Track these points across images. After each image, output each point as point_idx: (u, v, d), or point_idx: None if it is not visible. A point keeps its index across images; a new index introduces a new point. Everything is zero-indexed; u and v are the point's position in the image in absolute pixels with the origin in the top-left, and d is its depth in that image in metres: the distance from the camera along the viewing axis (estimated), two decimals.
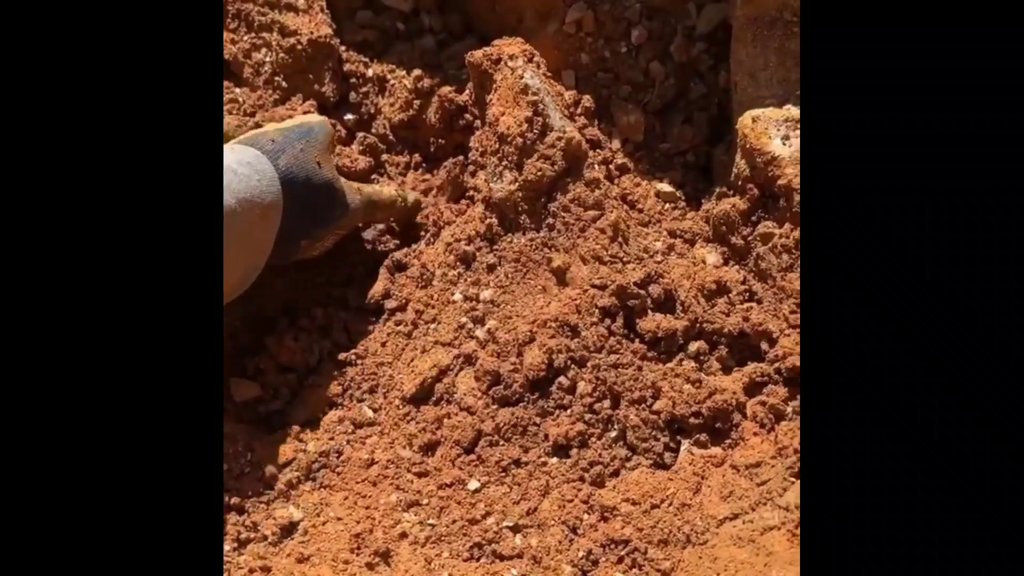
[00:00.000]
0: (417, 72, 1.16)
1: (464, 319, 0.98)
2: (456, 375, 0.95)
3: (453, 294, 1.00)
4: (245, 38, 1.12)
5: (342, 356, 0.99)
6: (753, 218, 0.98)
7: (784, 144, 0.93)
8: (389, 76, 1.17)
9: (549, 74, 1.03)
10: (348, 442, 0.94)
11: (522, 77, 0.97)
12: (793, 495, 0.82)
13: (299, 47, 1.10)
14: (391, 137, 1.15)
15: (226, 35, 1.12)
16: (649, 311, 0.95)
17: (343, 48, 1.16)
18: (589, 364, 0.92)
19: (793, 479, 0.84)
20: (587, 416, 0.91)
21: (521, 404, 0.93)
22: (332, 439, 0.93)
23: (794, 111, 0.94)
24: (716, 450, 0.90)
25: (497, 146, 1.00)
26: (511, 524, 0.87)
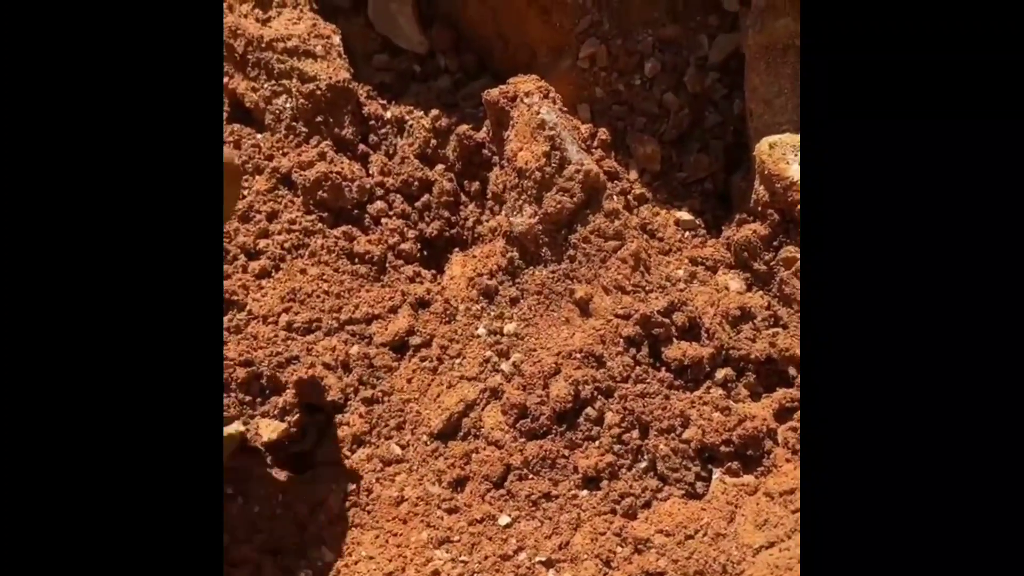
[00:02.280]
0: (434, 112, 1.18)
1: (489, 353, 0.98)
2: (483, 409, 0.95)
3: (477, 328, 1.00)
4: (265, 85, 1.14)
5: (368, 394, 0.99)
6: (775, 243, 0.98)
7: None
8: (407, 117, 1.19)
9: (565, 109, 1.04)
10: (377, 480, 0.93)
11: (538, 113, 0.99)
12: None
13: (318, 92, 1.13)
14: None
15: (246, 83, 1.15)
16: (674, 339, 0.95)
17: (361, 92, 1.19)
18: (616, 394, 0.92)
19: None
20: (616, 447, 0.91)
21: (549, 436, 0.92)
22: (361, 477, 0.93)
23: None
24: (749, 478, 0.89)
25: (516, 181, 1.01)
26: (544, 559, 0.86)
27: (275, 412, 0.97)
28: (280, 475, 0.93)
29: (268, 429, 0.96)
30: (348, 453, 0.96)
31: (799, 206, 0.93)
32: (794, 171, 0.93)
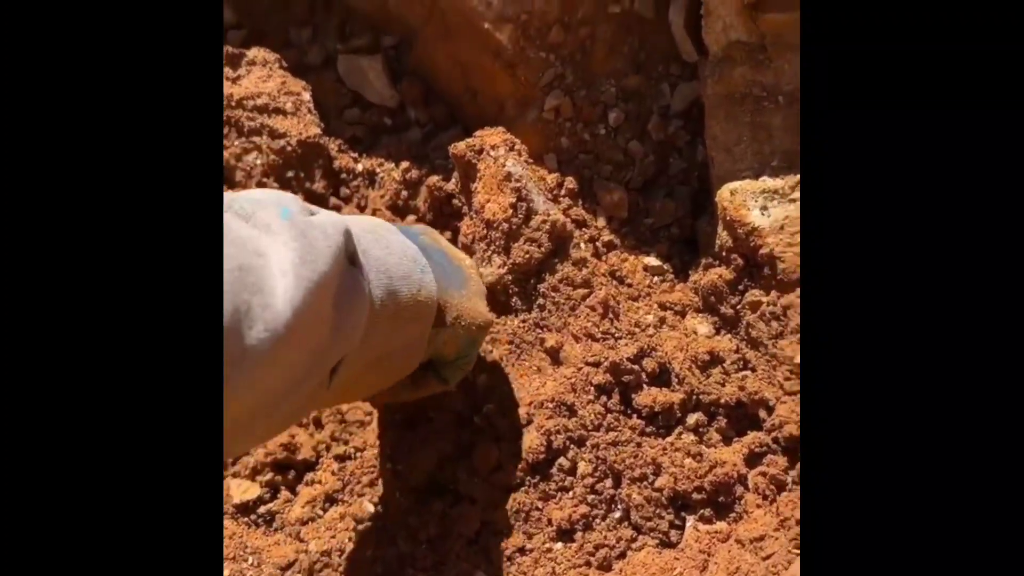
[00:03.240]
0: (405, 164, 1.19)
1: (460, 406, 0.98)
2: (456, 463, 0.95)
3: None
4: (236, 143, 1.16)
5: (341, 450, 0.98)
6: (740, 287, 0.99)
7: (763, 214, 0.95)
8: (378, 169, 1.21)
9: (531, 160, 1.06)
10: (350, 539, 0.92)
11: (504, 165, 1.00)
12: (797, 568, 0.81)
13: (288, 148, 1.14)
14: None
15: None
16: (644, 385, 0.95)
17: (332, 146, 1.20)
18: (588, 443, 0.92)
19: (796, 551, 0.83)
20: (589, 497, 0.91)
21: (522, 489, 0.92)
22: (334, 537, 0.92)
23: (770, 182, 0.97)
24: (721, 525, 0.89)
25: (484, 232, 1.02)
26: None
27: (245, 472, 0.96)
28: (250, 535, 0.92)
29: (239, 490, 0.95)
30: (320, 512, 0.95)
31: (761, 250, 0.95)
32: (755, 216, 0.95)
